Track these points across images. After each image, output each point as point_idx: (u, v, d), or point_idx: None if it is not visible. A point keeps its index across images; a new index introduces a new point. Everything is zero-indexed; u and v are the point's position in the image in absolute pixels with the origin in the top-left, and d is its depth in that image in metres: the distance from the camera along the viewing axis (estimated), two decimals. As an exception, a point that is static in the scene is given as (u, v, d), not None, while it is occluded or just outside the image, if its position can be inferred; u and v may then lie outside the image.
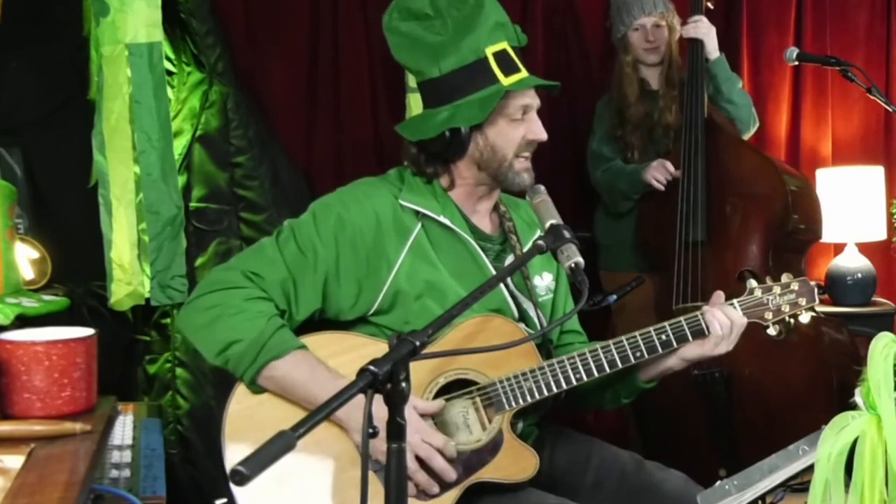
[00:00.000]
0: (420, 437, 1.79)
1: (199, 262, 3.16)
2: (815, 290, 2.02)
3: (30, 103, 3.12)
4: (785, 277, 2.03)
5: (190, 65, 3.23)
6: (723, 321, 1.92)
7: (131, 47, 2.88)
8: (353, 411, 1.73)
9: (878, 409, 1.34)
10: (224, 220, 3.22)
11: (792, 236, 3.12)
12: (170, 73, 3.15)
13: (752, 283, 2.01)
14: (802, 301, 2.01)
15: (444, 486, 1.83)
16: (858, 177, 3.68)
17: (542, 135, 1.98)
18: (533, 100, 1.98)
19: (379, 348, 1.71)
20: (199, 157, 3.21)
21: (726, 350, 1.95)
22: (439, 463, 1.80)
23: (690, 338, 1.93)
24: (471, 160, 1.98)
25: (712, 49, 3.23)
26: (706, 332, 1.93)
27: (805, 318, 2.03)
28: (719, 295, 1.98)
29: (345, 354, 1.87)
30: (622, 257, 3.39)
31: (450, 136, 1.94)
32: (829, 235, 3.67)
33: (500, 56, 1.94)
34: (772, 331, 2.02)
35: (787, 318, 2.01)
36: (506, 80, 1.93)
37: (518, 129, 1.96)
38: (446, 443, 1.81)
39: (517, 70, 1.95)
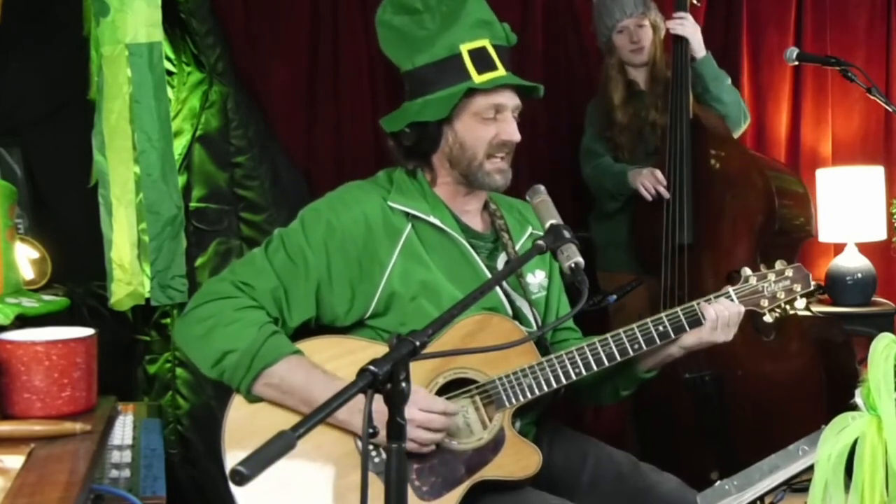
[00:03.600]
0: (418, 407, 1.77)
1: (199, 262, 3.16)
2: (810, 275, 2.04)
3: (30, 103, 3.12)
4: (779, 264, 2.05)
5: (190, 65, 3.23)
6: (718, 308, 1.93)
7: (131, 47, 2.87)
8: (355, 413, 1.74)
9: (878, 409, 1.34)
10: (224, 220, 3.22)
11: (781, 235, 3.11)
12: (170, 73, 3.15)
13: (747, 271, 2.03)
14: (797, 287, 2.03)
15: (449, 485, 1.83)
16: (858, 177, 3.68)
17: (514, 136, 1.97)
18: (508, 100, 1.96)
19: (375, 351, 1.71)
20: (199, 157, 3.21)
21: (725, 339, 1.95)
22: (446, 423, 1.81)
23: (687, 328, 1.93)
24: (443, 156, 1.99)
25: (698, 48, 3.20)
26: (702, 321, 1.94)
27: (800, 303, 2.03)
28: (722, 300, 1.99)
29: (341, 358, 1.87)
30: (619, 258, 3.38)
31: (419, 130, 1.95)
32: (829, 235, 3.67)
33: (477, 53, 1.93)
34: (768, 318, 2.03)
35: (782, 305, 2.02)
36: (478, 78, 1.92)
37: (488, 128, 1.95)
38: (447, 405, 1.82)
39: (493, 68, 1.94)
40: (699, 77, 3.22)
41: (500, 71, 1.95)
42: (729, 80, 3.31)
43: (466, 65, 1.93)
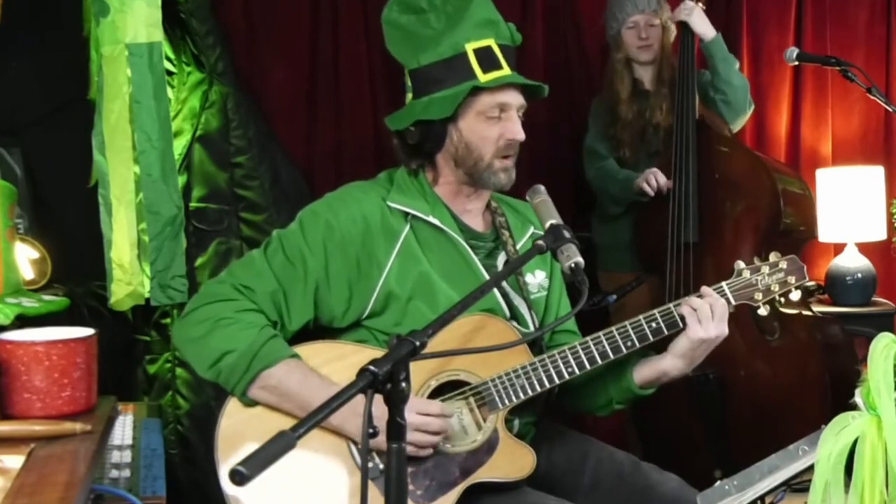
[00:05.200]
0: (415, 410, 1.77)
1: (199, 262, 3.16)
2: (805, 267, 2.01)
3: (30, 103, 3.12)
4: (773, 256, 2.01)
5: (190, 65, 3.23)
6: (692, 301, 1.90)
7: (131, 47, 2.87)
8: (349, 417, 1.74)
9: (878, 409, 1.34)
10: (224, 220, 3.22)
11: (785, 236, 3.11)
12: (170, 73, 3.15)
13: (740, 264, 2.00)
14: (792, 279, 1.99)
15: (443, 488, 1.83)
16: (858, 177, 3.68)
17: (519, 135, 1.97)
18: (513, 99, 1.96)
19: (369, 355, 1.71)
20: (199, 157, 3.21)
21: (715, 333, 1.89)
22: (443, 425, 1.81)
23: (680, 323, 1.91)
24: (448, 155, 1.98)
25: (705, 31, 3.21)
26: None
27: (796, 295, 2.00)
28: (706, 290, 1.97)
29: (335, 363, 1.87)
30: (620, 258, 3.38)
31: (424, 128, 1.95)
32: (829, 235, 3.67)
33: (483, 52, 1.93)
34: (762, 311, 1.99)
35: (777, 298, 1.99)
36: (483, 77, 1.92)
37: (493, 127, 1.95)
38: (443, 407, 1.82)
39: (499, 67, 1.93)
40: (709, 58, 3.23)
41: (506, 70, 1.94)
42: (738, 65, 3.31)
43: (472, 64, 1.92)
